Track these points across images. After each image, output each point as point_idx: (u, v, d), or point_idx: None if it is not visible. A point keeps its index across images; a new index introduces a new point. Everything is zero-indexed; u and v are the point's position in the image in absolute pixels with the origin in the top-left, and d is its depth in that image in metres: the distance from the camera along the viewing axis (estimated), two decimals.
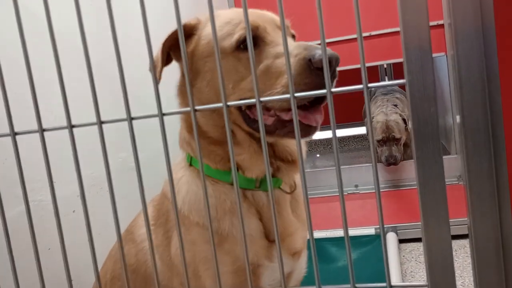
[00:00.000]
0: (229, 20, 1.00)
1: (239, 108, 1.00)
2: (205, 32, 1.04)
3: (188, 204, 1.08)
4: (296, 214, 1.13)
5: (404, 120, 3.13)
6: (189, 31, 1.06)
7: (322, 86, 0.89)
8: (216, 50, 0.64)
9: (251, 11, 1.03)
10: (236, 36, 0.97)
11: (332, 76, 0.89)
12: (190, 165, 1.12)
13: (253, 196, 1.07)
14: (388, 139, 3.09)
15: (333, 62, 0.87)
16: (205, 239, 1.05)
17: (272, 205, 0.65)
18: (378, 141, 3.19)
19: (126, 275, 0.73)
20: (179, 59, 1.09)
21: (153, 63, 0.65)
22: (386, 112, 3.17)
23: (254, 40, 0.96)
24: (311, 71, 0.88)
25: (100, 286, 0.75)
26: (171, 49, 1.06)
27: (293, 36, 1.11)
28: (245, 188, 1.06)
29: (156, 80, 0.67)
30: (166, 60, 1.06)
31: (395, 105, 3.24)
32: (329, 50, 0.87)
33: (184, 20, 1.05)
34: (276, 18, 1.04)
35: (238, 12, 1.03)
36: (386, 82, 0.61)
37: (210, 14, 0.63)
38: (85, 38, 0.66)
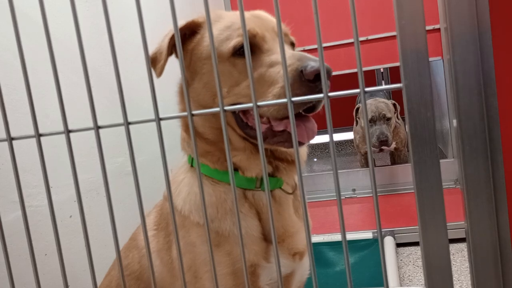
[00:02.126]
0: (230, 25, 1.01)
1: (233, 111, 1.01)
2: (208, 33, 1.04)
3: (188, 204, 1.08)
4: (299, 214, 1.13)
5: (394, 105, 3.12)
6: (194, 29, 1.06)
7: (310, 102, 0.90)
8: (214, 57, 0.64)
9: (253, 15, 1.03)
10: (233, 42, 0.98)
11: (319, 90, 0.89)
12: (191, 166, 1.12)
13: (254, 196, 1.07)
14: (378, 118, 3.07)
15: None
16: (205, 240, 1.05)
17: (269, 205, 0.65)
18: (368, 121, 3.19)
19: (123, 280, 0.73)
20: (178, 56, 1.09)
21: (150, 68, 0.65)
22: (376, 99, 3.18)
23: (251, 47, 0.97)
24: (302, 83, 0.88)
25: None
26: (172, 46, 1.06)
27: (292, 44, 1.10)
28: (246, 189, 1.07)
29: (151, 77, 0.67)
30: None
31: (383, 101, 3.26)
32: (317, 62, 0.87)
33: (182, 23, 1.05)
34: (275, 23, 1.04)
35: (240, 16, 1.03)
36: (383, 86, 0.61)
37: (207, 21, 0.63)
38: (82, 43, 0.66)
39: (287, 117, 0.94)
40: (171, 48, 1.05)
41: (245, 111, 1.00)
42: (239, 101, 0.98)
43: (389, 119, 3.06)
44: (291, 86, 0.89)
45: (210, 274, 1.04)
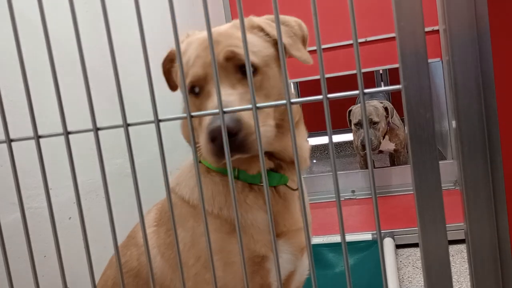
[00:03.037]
0: (188, 59, 1.01)
1: None
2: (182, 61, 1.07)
3: (197, 193, 1.09)
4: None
5: (386, 108, 3.11)
6: (172, 58, 1.15)
7: (221, 154, 0.88)
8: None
9: (205, 44, 1.00)
10: (186, 83, 1.00)
11: (236, 147, 0.88)
12: (200, 162, 1.13)
13: (260, 189, 1.08)
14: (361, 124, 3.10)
15: (218, 137, 0.86)
16: (215, 228, 1.05)
17: (267, 201, 0.65)
18: (355, 124, 3.20)
19: (122, 281, 0.73)
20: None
21: (149, 70, 0.65)
22: (368, 100, 3.19)
23: (199, 89, 0.99)
24: (213, 144, 0.88)
25: None
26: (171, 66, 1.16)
27: (242, 71, 0.99)
28: (251, 183, 1.08)
29: (150, 79, 0.67)
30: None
31: (381, 102, 3.26)
32: (217, 122, 0.85)
33: (180, 28, 1.06)
34: (228, 49, 0.97)
35: (199, 46, 1.01)
36: (382, 88, 0.61)
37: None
38: (81, 44, 0.66)
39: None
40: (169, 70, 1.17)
41: None
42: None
43: (376, 123, 3.06)
44: (205, 141, 0.89)
45: (221, 262, 1.04)
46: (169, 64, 1.15)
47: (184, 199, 1.10)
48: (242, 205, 1.06)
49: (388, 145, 3.30)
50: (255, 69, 1.00)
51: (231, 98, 0.92)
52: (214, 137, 0.86)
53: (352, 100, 4.04)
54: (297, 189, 1.11)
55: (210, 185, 1.07)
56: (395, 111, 3.30)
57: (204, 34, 1.05)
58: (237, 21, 1.07)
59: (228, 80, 0.97)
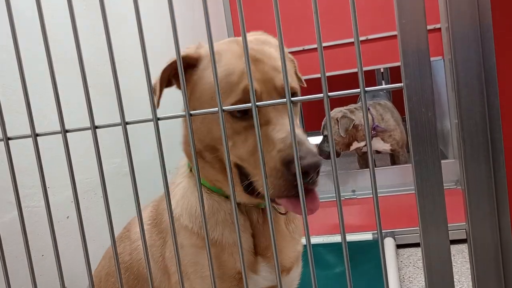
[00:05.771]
0: (229, 72, 0.92)
1: (237, 166, 0.97)
2: (207, 74, 0.97)
3: (180, 207, 1.09)
4: (290, 230, 1.14)
5: (337, 119, 3.21)
6: (190, 62, 1.00)
7: (295, 190, 0.85)
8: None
9: (254, 57, 0.93)
10: (230, 101, 0.91)
11: (311, 182, 0.86)
12: (190, 170, 1.13)
13: (247, 211, 1.08)
14: (322, 132, 3.34)
15: (311, 172, 0.83)
16: (192, 243, 1.06)
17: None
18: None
19: (120, 282, 0.72)
20: (180, 87, 1.01)
21: (147, 68, 0.64)
22: (340, 110, 3.28)
23: (249, 110, 0.90)
24: (288, 173, 0.85)
25: None
26: (172, 77, 1.03)
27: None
28: (239, 203, 1.06)
29: (149, 77, 0.66)
30: (168, 84, 1.04)
31: (368, 109, 3.31)
32: (310, 157, 0.81)
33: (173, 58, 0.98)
34: (275, 74, 0.92)
35: (239, 58, 0.94)
36: (383, 86, 0.61)
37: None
38: (79, 42, 0.66)
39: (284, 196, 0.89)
40: (167, 80, 1.01)
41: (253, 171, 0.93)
42: (241, 163, 0.95)
43: (325, 135, 3.26)
44: (277, 172, 0.85)
45: (197, 275, 1.05)
46: (174, 71, 1.02)
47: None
48: (228, 225, 1.05)
49: (383, 146, 3.34)
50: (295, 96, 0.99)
51: (299, 131, 0.90)
52: (308, 172, 0.82)
53: (353, 99, 4.03)
54: (285, 214, 1.10)
55: (196, 204, 1.08)
56: (374, 118, 3.31)
57: (235, 46, 0.97)
58: (257, 36, 1.04)
59: (285, 109, 0.89)
